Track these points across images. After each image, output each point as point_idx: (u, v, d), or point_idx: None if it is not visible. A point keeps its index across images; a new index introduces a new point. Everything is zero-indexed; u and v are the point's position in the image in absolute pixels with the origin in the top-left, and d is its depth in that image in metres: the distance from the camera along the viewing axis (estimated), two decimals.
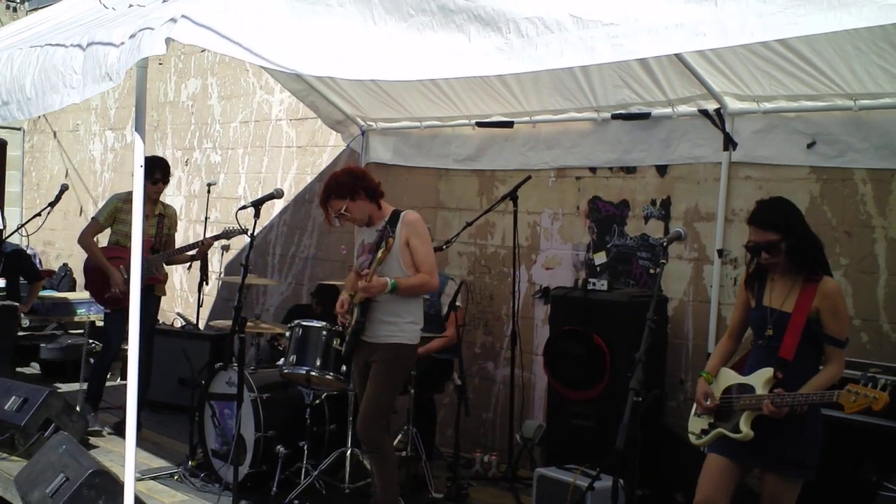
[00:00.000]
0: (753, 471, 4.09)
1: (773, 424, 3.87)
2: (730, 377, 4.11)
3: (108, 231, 7.20)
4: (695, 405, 4.21)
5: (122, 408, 7.25)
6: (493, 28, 3.09)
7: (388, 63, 3.45)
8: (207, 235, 7.58)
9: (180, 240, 8.15)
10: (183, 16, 3.79)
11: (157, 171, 6.95)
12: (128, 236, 7.06)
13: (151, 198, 6.97)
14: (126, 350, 4.53)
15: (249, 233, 5.33)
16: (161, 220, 7.14)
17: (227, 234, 7.19)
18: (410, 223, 4.95)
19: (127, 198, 7.12)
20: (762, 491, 4.01)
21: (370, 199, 5.01)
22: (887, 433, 4.52)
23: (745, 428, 3.92)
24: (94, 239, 7.13)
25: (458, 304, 6.13)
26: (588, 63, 2.91)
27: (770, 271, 4.05)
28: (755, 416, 3.92)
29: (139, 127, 4.26)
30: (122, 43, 4.08)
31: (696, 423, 4.19)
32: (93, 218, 7.28)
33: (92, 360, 7.99)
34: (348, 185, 4.97)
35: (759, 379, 3.96)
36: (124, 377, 7.42)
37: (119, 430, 7.07)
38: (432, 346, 6.08)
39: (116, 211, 7.12)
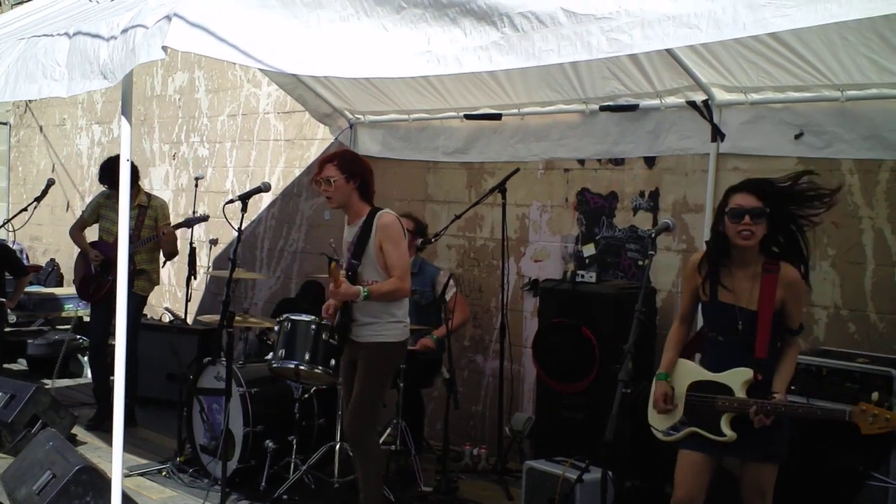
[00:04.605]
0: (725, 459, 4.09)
1: (752, 423, 3.85)
2: (693, 372, 4.06)
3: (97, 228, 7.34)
4: (652, 401, 4.16)
5: (97, 403, 7.31)
6: (487, 22, 3.06)
7: (388, 60, 3.39)
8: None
9: None
10: (175, 14, 3.71)
11: (105, 179, 7.03)
12: (108, 231, 7.13)
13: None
14: (112, 345, 4.52)
15: (237, 227, 5.31)
16: (143, 212, 7.04)
17: (189, 223, 7.21)
18: (383, 227, 4.88)
19: (109, 193, 7.21)
20: (742, 479, 4.01)
21: (359, 193, 4.97)
22: None
23: (727, 431, 3.88)
24: (83, 233, 7.28)
25: (446, 297, 6.13)
26: (586, 58, 2.89)
27: (741, 245, 3.86)
28: (734, 416, 3.90)
29: (125, 114, 4.16)
30: (113, 37, 3.99)
31: (659, 420, 4.13)
32: (81, 214, 7.51)
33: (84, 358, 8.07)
34: (354, 165, 4.97)
35: (737, 380, 3.91)
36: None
37: (94, 426, 7.04)
38: (441, 333, 6.13)
39: (98, 206, 7.26)
